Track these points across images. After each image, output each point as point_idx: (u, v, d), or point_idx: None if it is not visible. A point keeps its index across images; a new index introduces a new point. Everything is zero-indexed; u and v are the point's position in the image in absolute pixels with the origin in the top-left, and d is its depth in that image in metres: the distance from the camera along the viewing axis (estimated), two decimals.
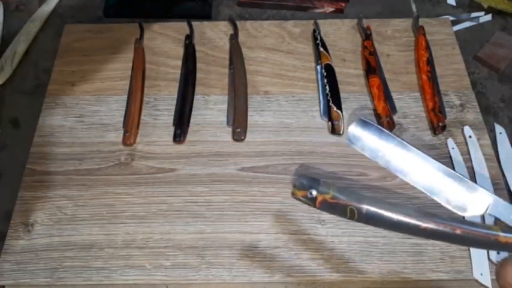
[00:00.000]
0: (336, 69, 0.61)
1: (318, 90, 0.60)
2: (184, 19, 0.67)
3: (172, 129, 0.57)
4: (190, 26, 0.66)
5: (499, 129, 0.59)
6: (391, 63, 0.63)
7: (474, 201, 0.32)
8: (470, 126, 0.57)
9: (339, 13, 0.72)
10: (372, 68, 0.60)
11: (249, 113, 0.58)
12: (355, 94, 0.60)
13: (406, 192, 0.52)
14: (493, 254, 0.48)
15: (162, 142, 0.56)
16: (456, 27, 0.69)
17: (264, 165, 0.54)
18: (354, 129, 0.40)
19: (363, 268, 0.47)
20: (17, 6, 0.74)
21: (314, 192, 0.35)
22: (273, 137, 0.57)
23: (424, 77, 0.59)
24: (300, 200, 0.35)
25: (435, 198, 0.34)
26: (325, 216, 0.50)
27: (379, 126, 0.39)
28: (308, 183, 0.35)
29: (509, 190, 0.53)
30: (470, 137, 0.56)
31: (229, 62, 0.63)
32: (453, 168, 0.53)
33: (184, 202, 0.52)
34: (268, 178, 0.53)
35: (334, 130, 0.56)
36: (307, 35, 0.66)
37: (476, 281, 0.46)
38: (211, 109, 0.59)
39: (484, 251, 0.48)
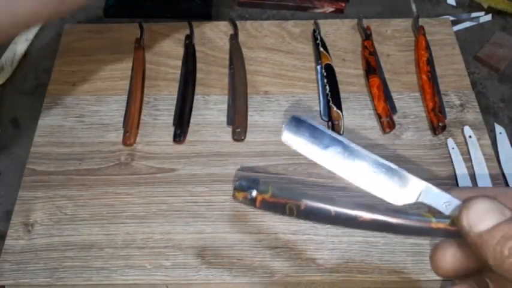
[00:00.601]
0: (336, 69, 0.61)
1: (318, 90, 0.60)
2: (185, 19, 0.67)
3: (172, 129, 0.57)
4: (191, 26, 0.66)
5: (499, 129, 0.59)
6: (391, 63, 0.63)
7: (406, 190, 0.33)
8: (470, 126, 0.57)
9: (339, 13, 0.72)
10: (372, 68, 0.60)
11: (249, 113, 0.58)
12: (355, 94, 0.60)
13: None
14: None
15: (162, 142, 0.56)
16: (456, 27, 0.69)
17: (264, 165, 0.54)
18: (287, 128, 0.40)
19: (362, 268, 0.47)
20: None
21: (254, 193, 0.35)
22: (273, 137, 0.57)
23: (424, 77, 0.59)
24: (241, 202, 0.35)
25: (369, 190, 0.34)
26: None
27: (311, 122, 0.39)
28: (247, 184, 0.35)
29: None
30: (470, 137, 0.56)
31: (229, 62, 0.63)
32: (453, 168, 0.53)
33: (184, 202, 0.52)
34: (268, 178, 0.53)
35: (334, 130, 0.56)
36: (307, 35, 0.66)
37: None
38: (211, 109, 0.59)
39: None
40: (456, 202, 0.25)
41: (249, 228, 0.50)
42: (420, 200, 0.29)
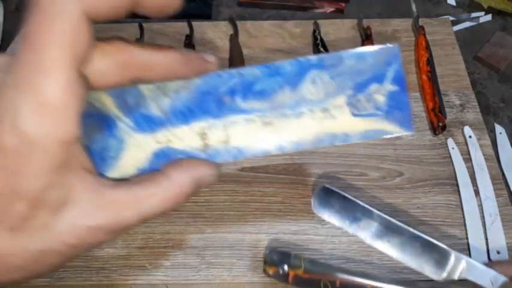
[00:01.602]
0: None
1: None
2: (185, 19, 0.67)
3: None
4: (190, 26, 0.66)
5: (499, 129, 0.59)
6: None
7: (448, 266, 0.32)
8: (470, 126, 0.57)
9: (339, 13, 0.72)
10: None
11: None
12: None
13: (405, 192, 0.52)
14: (493, 254, 0.48)
15: None
16: (456, 27, 0.69)
17: (264, 165, 0.54)
18: (317, 198, 0.40)
19: (363, 268, 0.47)
20: (17, 6, 0.74)
21: (286, 268, 0.34)
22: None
23: (424, 77, 0.59)
24: (271, 276, 0.34)
25: (408, 264, 0.33)
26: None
27: (343, 193, 0.38)
28: (279, 258, 0.34)
29: (509, 190, 0.53)
30: (470, 137, 0.56)
31: (229, 62, 0.63)
32: (453, 168, 0.53)
33: (184, 202, 0.52)
34: (268, 178, 0.53)
35: None
36: (307, 35, 0.66)
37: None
38: None
39: (484, 251, 0.48)
40: (503, 279, 0.25)
41: (249, 228, 0.50)
42: (463, 276, 0.29)
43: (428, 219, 0.50)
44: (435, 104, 0.57)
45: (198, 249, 0.49)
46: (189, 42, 0.64)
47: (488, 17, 0.71)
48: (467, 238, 0.49)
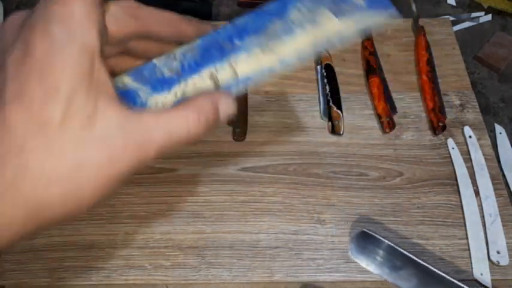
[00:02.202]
0: (336, 69, 0.61)
1: (318, 90, 0.60)
2: None
3: None
4: None
5: (499, 129, 0.59)
6: (391, 63, 0.63)
7: None
8: (470, 126, 0.57)
9: None
10: (372, 68, 0.60)
11: (249, 113, 0.58)
12: (355, 94, 0.60)
13: (405, 192, 0.52)
14: (493, 254, 0.48)
15: None
16: (456, 27, 0.69)
17: (264, 165, 0.54)
18: (355, 243, 0.38)
19: (363, 268, 0.47)
20: (17, 6, 0.74)
21: None
22: (273, 137, 0.57)
23: (424, 77, 0.59)
24: None
25: None
26: (325, 216, 0.51)
27: (383, 239, 0.37)
28: None
29: (509, 190, 0.53)
30: (470, 137, 0.56)
31: None
32: (453, 168, 0.53)
33: (184, 202, 0.52)
34: (268, 178, 0.53)
35: (334, 130, 0.56)
36: None
37: (476, 281, 0.46)
38: None
39: (484, 251, 0.48)
40: None
41: (249, 228, 0.50)
42: None
43: (428, 219, 0.50)
44: (435, 104, 0.57)
45: (198, 249, 0.49)
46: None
47: (488, 17, 0.71)
48: (467, 238, 0.49)
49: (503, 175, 0.54)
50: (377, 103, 0.58)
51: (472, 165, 0.54)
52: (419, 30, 0.64)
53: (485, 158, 0.54)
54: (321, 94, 0.60)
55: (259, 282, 0.47)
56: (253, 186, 0.53)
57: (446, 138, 0.56)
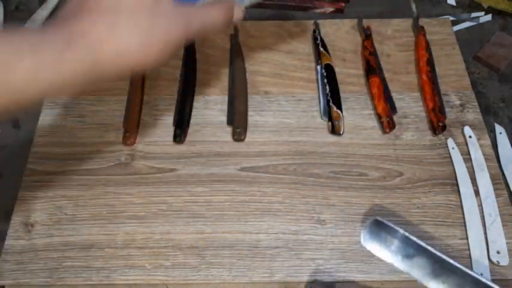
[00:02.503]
0: (336, 69, 0.61)
1: (318, 90, 0.60)
2: None
3: (172, 129, 0.57)
4: None
5: (499, 129, 0.59)
6: (391, 63, 0.63)
7: None
8: (470, 126, 0.57)
9: (339, 13, 0.72)
10: (372, 68, 0.60)
11: (249, 113, 0.58)
12: (355, 94, 0.60)
13: (405, 192, 0.52)
14: (493, 254, 0.48)
15: (162, 142, 0.56)
16: (456, 27, 0.69)
17: (264, 165, 0.54)
18: (367, 231, 0.38)
19: (362, 268, 0.47)
20: (17, 6, 0.74)
21: None
22: (273, 137, 0.57)
23: (424, 77, 0.59)
24: None
25: None
26: (325, 216, 0.51)
27: (396, 227, 0.37)
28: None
29: (509, 190, 0.53)
30: (470, 137, 0.56)
31: (230, 62, 0.63)
32: (453, 168, 0.54)
33: (184, 202, 0.52)
34: (268, 178, 0.53)
35: (334, 130, 0.56)
36: (307, 35, 0.66)
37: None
38: (211, 109, 0.59)
39: (484, 251, 0.48)
40: None
41: (249, 228, 0.50)
42: None
43: (428, 219, 0.50)
44: (435, 104, 0.57)
45: (198, 249, 0.49)
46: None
47: (488, 17, 0.71)
48: (467, 238, 0.49)
49: (503, 175, 0.54)
50: (377, 103, 0.58)
51: (472, 165, 0.54)
52: (419, 30, 0.64)
53: (485, 158, 0.54)
54: (321, 94, 0.60)
55: (259, 282, 0.47)
56: (253, 186, 0.53)
57: (446, 138, 0.56)
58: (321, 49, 0.62)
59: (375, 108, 0.58)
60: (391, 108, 0.58)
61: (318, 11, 0.73)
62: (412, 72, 0.62)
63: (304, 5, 0.72)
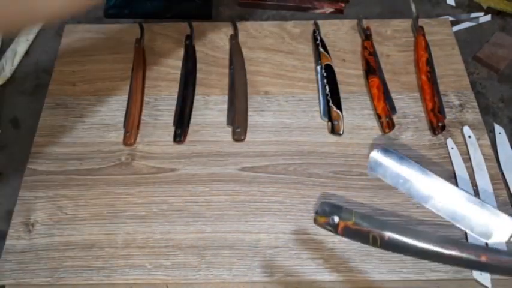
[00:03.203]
0: (336, 70, 0.61)
1: (318, 90, 0.60)
2: (185, 19, 0.67)
3: (172, 129, 0.57)
4: (191, 26, 0.66)
5: (498, 129, 0.59)
6: (391, 64, 0.63)
7: (498, 228, 0.31)
8: (469, 126, 0.57)
9: (338, 13, 0.72)
10: (371, 68, 0.60)
11: (249, 113, 0.58)
12: (355, 94, 0.60)
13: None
14: None
15: (162, 142, 0.56)
16: (456, 28, 0.69)
17: (264, 165, 0.54)
18: (374, 156, 0.39)
19: (362, 268, 0.48)
20: None
21: (336, 219, 0.35)
22: (273, 137, 0.57)
23: (424, 77, 0.59)
24: (322, 226, 0.35)
25: (458, 225, 0.33)
26: None
27: (400, 154, 0.38)
28: (330, 210, 0.35)
29: (509, 190, 0.53)
30: (469, 137, 0.56)
31: (230, 62, 0.63)
32: (453, 168, 0.54)
33: (184, 202, 0.52)
34: (268, 178, 0.53)
35: (334, 130, 0.56)
36: (307, 36, 0.66)
37: (476, 281, 0.46)
38: (211, 109, 0.59)
39: None
40: None
41: (249, 228, 0.50)
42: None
43: (428, 219, 0.50)
44: (434, 104, 0.57)
45: (198, 249, 0.49)
46: (189, 42, 0.64)
47: (488, 17, 0.71)
48: (466, 238, 0.49)
49: (503, 175, 0.54)
50: (377, 103, 0.58)
51: (472, 165, 0.54)
52: (418, 31, 0.64)
53: (484, 158, 0.54)
54: (321, 94, 0.60)
55: (259, 282, 0.48)
56: (253, 186, 0.53)
57: (445, 138, 0.56)
58: (321, 49, 0.62)
59: (374, 108, 0.58)
60: (391, 108, 0.58)
61: (318, 11, 0.73)
62: (412, 73, 0.62)
63: (304, 5, 0.72)
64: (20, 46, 0.67)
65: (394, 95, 0.60)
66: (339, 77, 0.60)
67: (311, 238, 0.49)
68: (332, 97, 0.58)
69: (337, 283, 0.48)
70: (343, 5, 0.72)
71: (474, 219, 0.33)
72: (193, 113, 0.58)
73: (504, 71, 0.65)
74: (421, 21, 0.66)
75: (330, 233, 0.50)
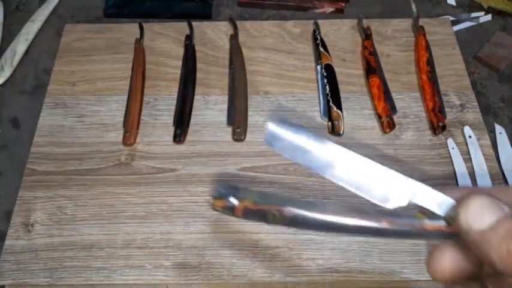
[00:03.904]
0: (336, 69, 0.61)
1: (318, 90, 0.60)
2: (185, 19, 0.67)
3: (172, 129, 0.57)
4: (191, 26, 0.66)
5: (499, 129, 0.59)
6: (391, 63, 0.63)
7: (397, 191, 0.30)
8: (470, 126, 0.57)
9: (339, 13, 0.72)
10: (372, 68, 0.60)
11: (249, 113, 0.58)
12: (355, 94, 0.60)
13: None
14: None
15: (162, 142, 0.56)
16: (456, 27, 0.69)
17: (264, 165, 0.54)
18: (272, 129, 0.35)
19: (362, 268, 0.47)
20: (17, 6, 0.74)
21: (234, 201, 0.33)
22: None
23: (424, 77, 0.59)
24: (220, 211, 0.32)
25: (358, 192, 0.32)
26: None
27: (294, 123, 0.36)
28: (226, 191, 0.32)
29: None
30: (470, 137, 0.56)
31: (230, 62, 0.63)
32: (453, 168, 0.53)
33: (184, 202, 0.52)
34: (268, 178, 0.53)
35: (334, 130, 0.56)
36: (307, 35, 0.66)
37: None
38: (211, 109, 0.59)
39: None
40: (451, 201, 0.25)
41: (249, 228, 0.50)
42: (412, 201, 0.28)
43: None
44: (435, 104, 0.57)
45: (198, 249, 0.49)
46: (189, 42, 0.64)
47: (488, 17, 0.71)
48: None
49: (503, 175, 0.54)
50: (377, 103, 0.58)
51: (472, 165, 0.54)
52: (419, 30, 0.64)
53: (485, 158, 0.54)
54: (321, 94, 0.60)
55: (259, 282, 0.47)
56: (253, 186, 0.53)
57: (446, 138, 0.56)
58: (321, 49, 0.62)
59: (375, 108, 0.58)
60: (391, 108, 0.58)
61: (318, 10, 0.73)
62: (412, 72, 0.62)
63: (304, 5, 0.72)
64: (20, 46, 0.67)
65: (394, 95, 0.60)
66: (339, 77, 0.60)
67: (311, 238, 0.49)
68: (332, 97, 0.58)
69: (337, 283, 0.47)
70: (343, 4, 0.72)
71: (374, 185, 0.32)
72: (193, 113, 0.58)
73: (505, 71, 0.65)
74: (422, 21, 0.66)
75: (330, 232, 0.49)
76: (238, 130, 0.56)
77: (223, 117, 0.58)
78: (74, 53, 0.64)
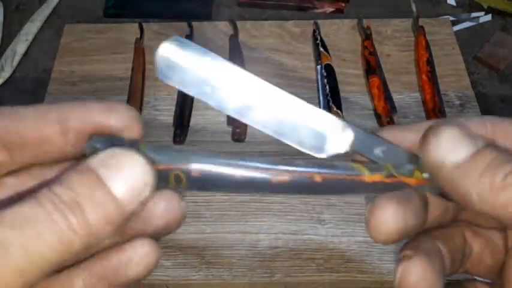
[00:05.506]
0: (336, 69, 0.61)
1: (318, 90, 0.60)
2: (184, 19, 0.67)
3: (172, 129, 0.57)
4: (190, 26, 0.66)
5: None
6: (391, 63, 0.63)
7: (333, 138, 0.22)
8: None
9: (339, 13, 0.72)
10: (372, 68, 0.60)
11: None
12: (355, 94, 0.60)
13: None
14: None
15: (162, 142, 0.56)
16: (456, 27, 0.69)
17: None
18: (166, 54, 0.22)
19: (362, 268, 0.47)
20: (17, 6, 0.74)
21: None
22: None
23: (424, 77, 0.59)
24: None
25: (284, 140, 0.23)
26: (325, 216, 0.50)
27: (203, 48, 0.21)
28: (105, 146, 0.19)
29: None
30: None
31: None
32: None
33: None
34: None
35: None
36: (307, 35, 0.66)
37: (476, 279, 0.46)
38: (211, 109, 0.59)
39: None
40: (394, 147, 0.21)
41: (249, 228, 0.50)
42: (350, 149, 0.23)
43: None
44: (435, 104, 0.57)
45: (198, 249, 0.49)
46: None
47: (488, 17, 0.71)
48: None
49: None
50: (377, 103, 0.58)
51: None
52: (419, 30, 0.64)
53: None
54: (321, 94, 0.60)
55: (259, 282, 0.47)
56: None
57: None
58: (321, 49, 0.62)
59: (375, 108, 0.58)
60: (391, 108, 0.58)
61: (318, 10, 0.73)
62: (412, 72, 0.62)
63: (304, 5, 0.72)
64: (20, 46, 0.67)
65: (394, 95, 0.60)
66: (339, 77, 0.60)
67: (311, 238, 0.49)
68: (332, 97, 0.58)
69: (337, 283, 0.47)
70: (343, 4, 0.72)
71: (304, 130, 0.23)
72: (193, 113, 0.58)
73: (505, 71, 0.65)
74: (422, 21, 0.66)
75: (330, 233, 0.49)
76: (238, 130, 0.56)
77: (223, 117, 0.58)
78: (74, 53, 0.64)
